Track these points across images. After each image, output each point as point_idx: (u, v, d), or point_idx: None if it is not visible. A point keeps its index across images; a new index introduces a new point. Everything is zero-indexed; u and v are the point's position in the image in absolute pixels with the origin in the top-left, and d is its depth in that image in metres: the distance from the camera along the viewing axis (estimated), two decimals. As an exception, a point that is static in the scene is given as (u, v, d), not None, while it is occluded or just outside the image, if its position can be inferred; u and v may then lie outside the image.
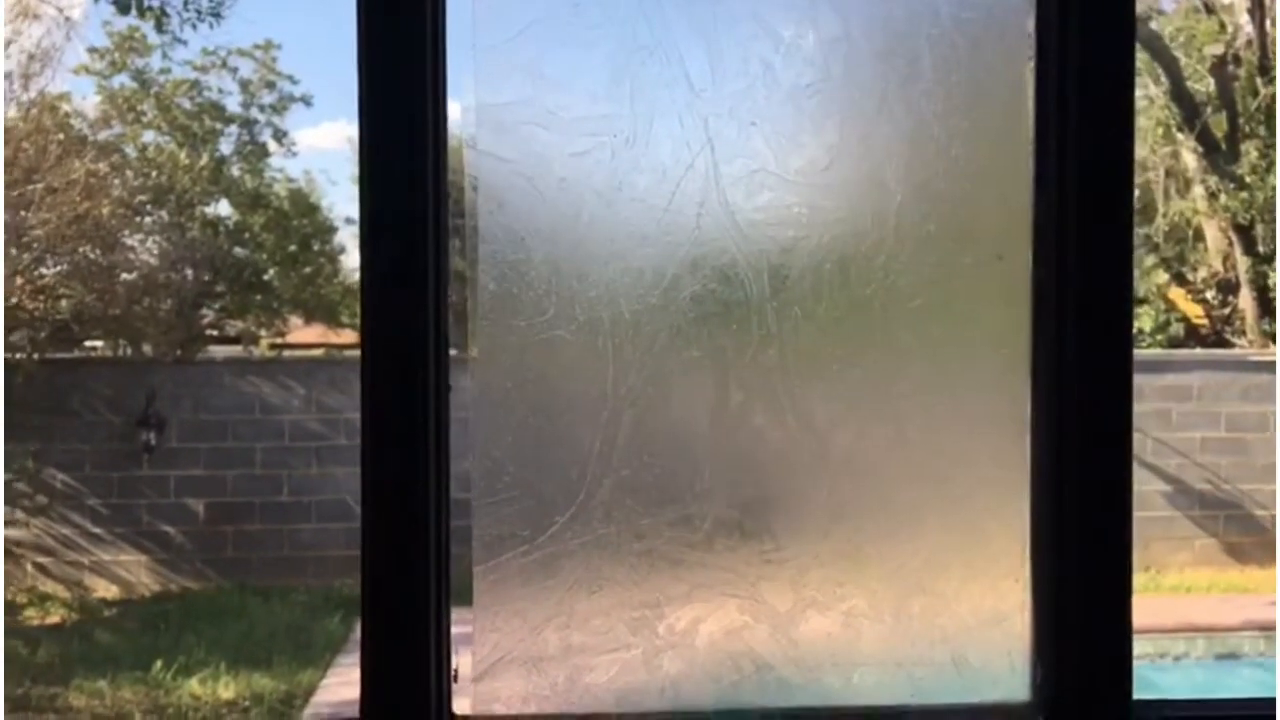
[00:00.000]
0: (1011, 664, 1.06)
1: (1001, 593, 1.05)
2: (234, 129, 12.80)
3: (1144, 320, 12.10)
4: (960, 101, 1.05)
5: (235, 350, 11.92)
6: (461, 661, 1.02)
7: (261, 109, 12.84)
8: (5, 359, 9.26)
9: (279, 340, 13.33)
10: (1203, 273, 12.95)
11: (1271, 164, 11.13)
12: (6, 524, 9.43)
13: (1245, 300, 12.15)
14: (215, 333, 12.27)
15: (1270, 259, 11.48)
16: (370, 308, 0.98)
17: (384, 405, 0.98)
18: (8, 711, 6.85)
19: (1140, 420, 10.23)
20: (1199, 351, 11.81)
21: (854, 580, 1.06)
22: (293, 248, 12.67)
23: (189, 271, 11.19)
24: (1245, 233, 11.79)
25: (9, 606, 9.22)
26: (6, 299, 9.13)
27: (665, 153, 1.03)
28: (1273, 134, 11.36)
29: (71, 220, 9.38)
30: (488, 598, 1.01)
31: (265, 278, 12.43)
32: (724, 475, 1.05)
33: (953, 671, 1.06)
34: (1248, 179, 11.61)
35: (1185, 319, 12.98)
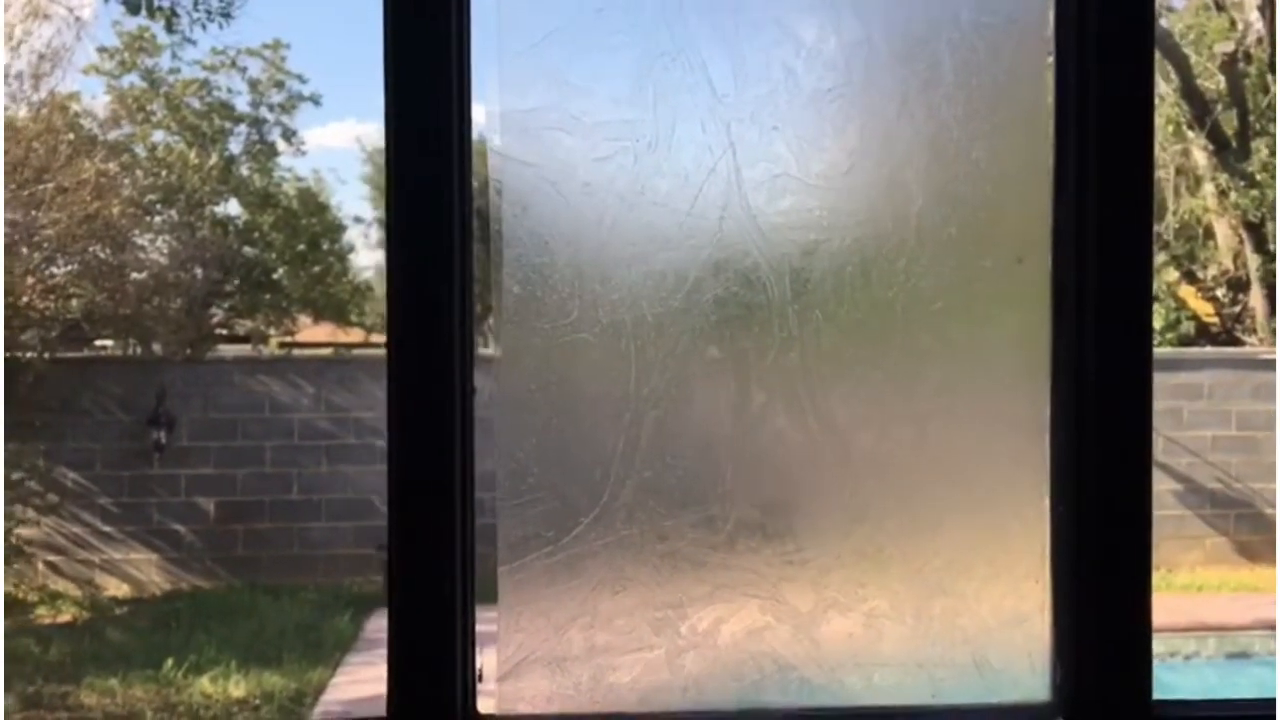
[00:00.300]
0: (1031, 664, 1.07)
1: (1022, 594, 1.06)
2: (243, 128, 12.82)
3: (1154, 318, 12.05)
4: (980, 105, 1.05)
5: (245, 349, 11.94)
6: (486, 661, 1.03)
7: (270, 108, 12.87)
8: (17, 358, 9.29)
9: (288, 339, 13.36)
10: (1213, 270, 12.92)
11: (1283, 161, 11.10)
12: (18, 522, 9.47)
13: (1256, 298, 12.11)
14: (225, 331, 12.31)
15: (1282, 256, 11.45)
16: (396, 310, 0.99)
17: (410, 406, 0.99)
18: (20, 709, 6.88)
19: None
20: (1209, 350, 11.78)
21: (875, 581, 1.06)
22: (302, 247, 12.69)
23: (199, 271, 11.22)
24: (1256, 230, 11.76)
25: (21, 605, 9.26)
26: (18, 298, 9.17)
27: (688, 157, 1.04)
28: (1282, 131, 11.32)
29: (82, 220, 9.41)
30: (513, 598, 1.02)
31: (274, 277, 12.45)
32: (746, 477, 1.05)
33: (973, 672, 1.07)
34: (1258, 177, 11.57)
35: (1195, 317, 12.94)
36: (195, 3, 8.61)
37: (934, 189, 1.05)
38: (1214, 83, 12.43)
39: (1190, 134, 12.09)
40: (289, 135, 13.00)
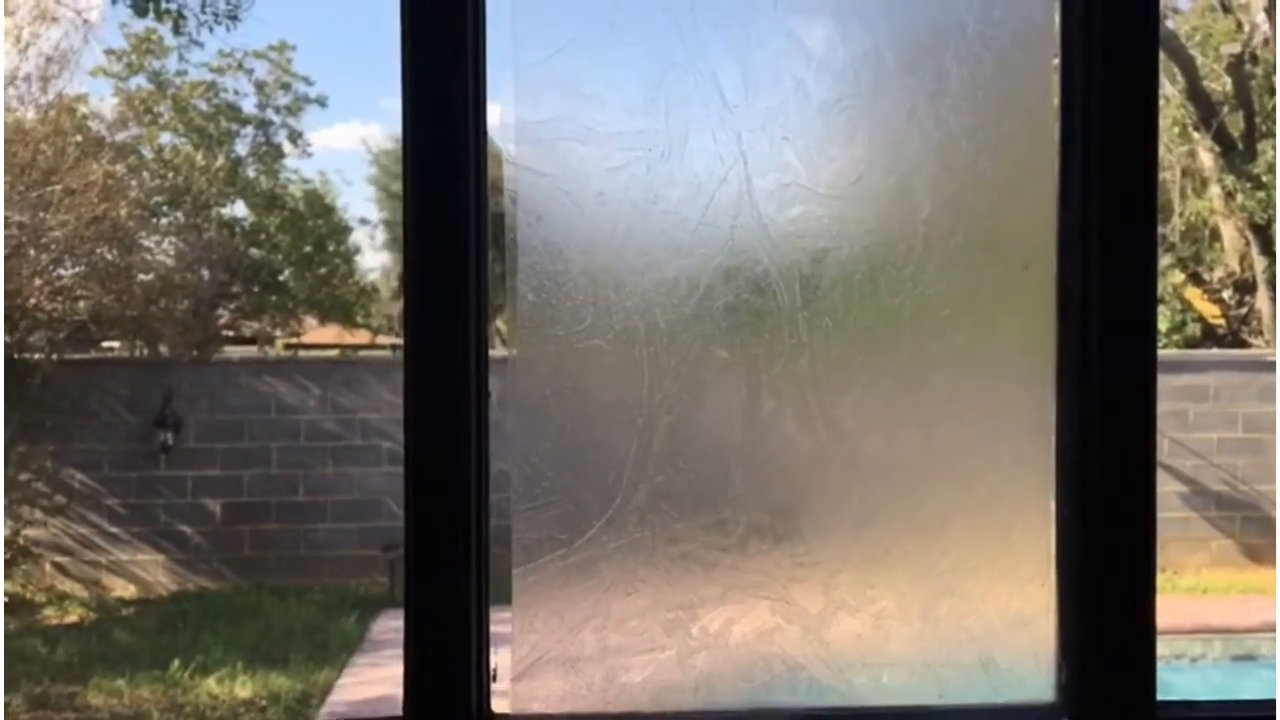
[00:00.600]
0: (1037, 665, 1.08)
1: (1028, 595, 1.08)
2: (249, 130, 12.87)
3: (1160, 320, 12.05)
4: (987, 115, 1.07)
5: (251, 351, 11.98)
6: (500, 661, 1.05)
7: (277, 110, 12.92)
8: (25, 360, 9.33)
9: (294, 340, 13.39)
10: (1219, 272, 12.91)
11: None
12: (26, 523, 9.51)
13: (1262, 300, 12.10)
14: (231, 333, 12.34)
15: (1288, 258, 11.43)
16: (413, 313, 1.01)
17: (427, 407, 1.01)
18: (27, 709, 6.91)
19: (1156, 421, 10.18)
20: (1215, 352, 11.77)
21: (883, 583, 1.08)
22: (308, 248, 12.74)
23: (205, 272, 11.26)
24: (1262, 232, 11.75)
25: (28, 605, 9.29)
26: (25, 300, 9.20)
27: (699, 167, 1.06)
28: (1289, 133, 11.31)
29: (89, 222, 9.45)
30: (527, 599, 1.04)
31: (281, 278, 12.49)
32: (756, 480, 1.07)
33: (979, 672, 1.08)
34: (1264, 178, 11.57)
35: (1201, 319, 12.94)
36: (202, 5, 8.65)
37: (941, 198, 1.07)
38: (1220, 84, 12.42)
39: (1196, 135, 12.09)
40: (295, 137, 13.05)
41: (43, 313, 9.51)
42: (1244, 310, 12.78)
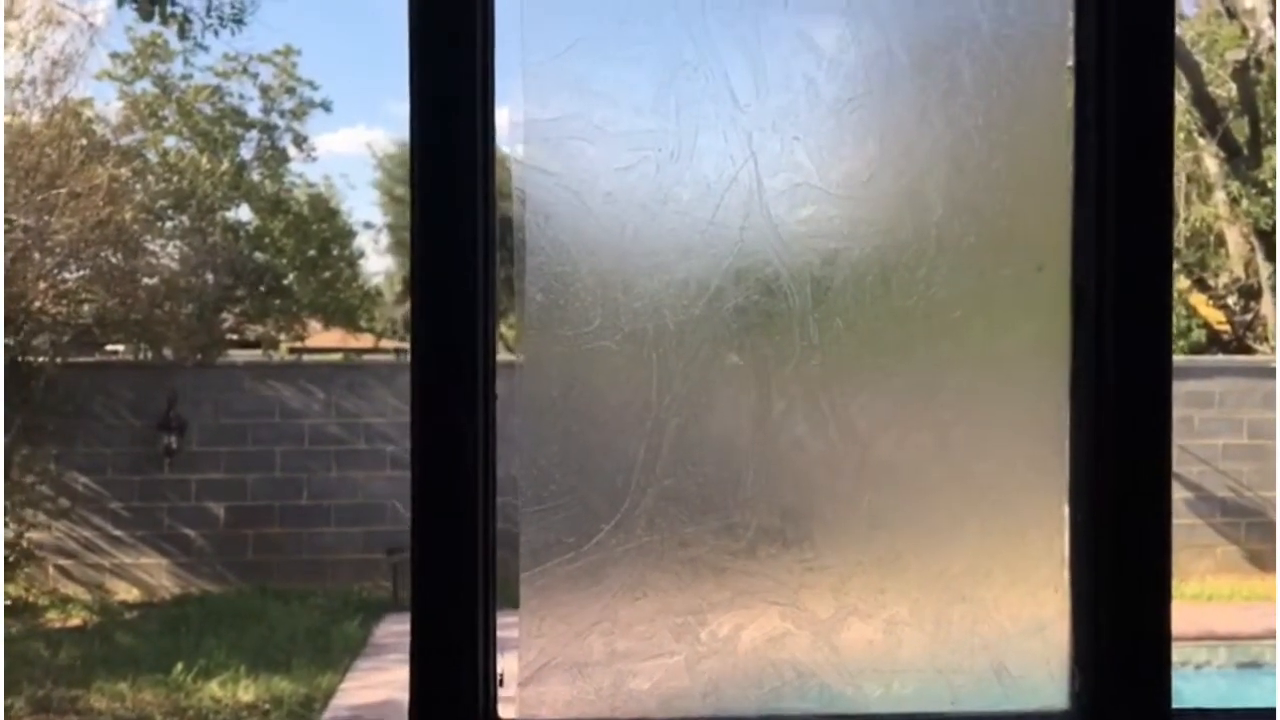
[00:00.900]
0: (1050, 672, 1.07)
1: (1041, 601, 1.06)
2: (254, 134, 12.89)
3: (1165, 326, 12.00)
4: (1000, 115, 1.06)
5: (255, 354, 11.98)
6: (507, 665, 1.04)
7: (282, 114, 12.93)
8: (29, 363, 9.33)
9: (298, 344, 13.40)
10: (1224, 278, 12.89)
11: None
12: (29, 526, 9.51)
13: (1267, 306, 12.07)
14: (235, 337, 12.35)
15: (1293, 264, 11.41)
16: (420, 315, 1.00)
17: (433, 411, 1.00)
18: (30, 712, 6.90)
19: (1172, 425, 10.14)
20: (1220, 358, 11.74)
21: (895, 588, 1.07)
22: (312, 252, 12.74)
23: (210, 276, 11.26)
24: (1267, 238, 11.72)
25: (31, 608, 9.29)
26: (30, 303, 9.21)
27: (709, 167, 1.05)
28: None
29: (94, 225, 9.46)
30: (534, 603, 1.02)
31: (285, 282, 12.50)
32: (766, 484, 1.06)
33: (992, 679, 1.07)
34: (1270, 184, 11.54)
35: (1207, 324, 12.91)
36: (208, 9, 8.66)
37: (954, 198, 1.06)
38: (1225, 90, 12.41)
39: (1202, 141, 12.07)
40: (300, 141, 13.07)
41: (47, 316, 9.52)
42: (1249, 316, 12.75)
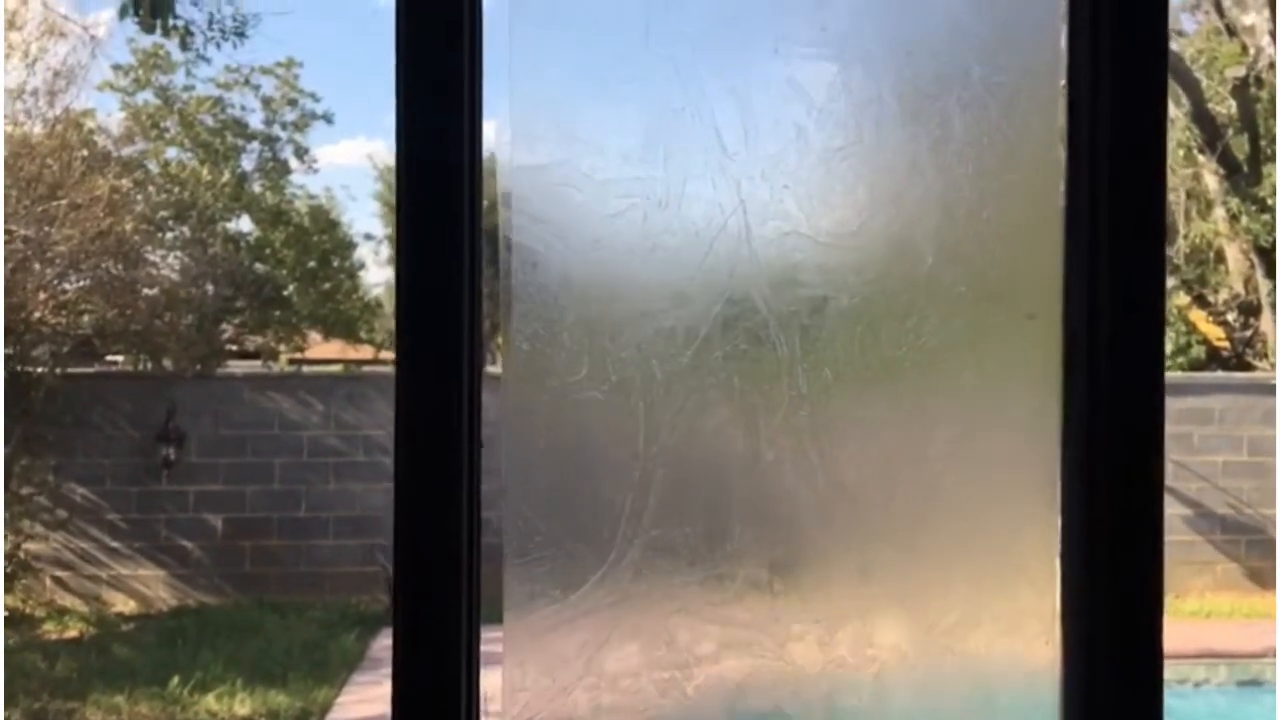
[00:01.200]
0: (1041, 725, 1.06)
1: (1033, 653, 1.05)
2: (256, 145, 12.91)
3: (1165, 343, 12.02)
4: (991, 163, 1.05)
5: (255, 366, 11.98)
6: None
7: (283, 126, 12.96)
8: (29, 373, 9.33)
9: (298, 355, 13.40)
10: (1224, 295, 12.89)
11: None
12: (27, 537, 9.49)
13: (1267, 323, 12.07)
14: (235, 347, 12.35)
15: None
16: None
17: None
18: (26, 725, 6.88)
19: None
20: (1220, 374, 11.73)
21: (884, 640, 1.06)
22: (312, 263, 12.76)
23: (210, 287, 11.27)
24: (1267, 255, 11.73)
25: (28, 620, 9.27)
26: (30, 314, 9.21)
27: (698, 214, 1.04)
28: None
29: (95, 236, 9.47)
30: (519, 656, 1.01)
31: (285, 293, 12.51)
32: (754, 535, 1.05)
33: (982, 733, 1.06)
34: (1269, 201, 11.55)
35: (1206, 341, 12.90)
36: (210, 22, 8.67)
37: (944, 247, 1.05)
38: (1225, 107, 12.43)
39: (1201, 158, 12.09)
40: (301, 153, 13.09)
41: (47, 326, 9.52)
42: (1249, 333, 12.75)
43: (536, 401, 1.02)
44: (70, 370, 9.71)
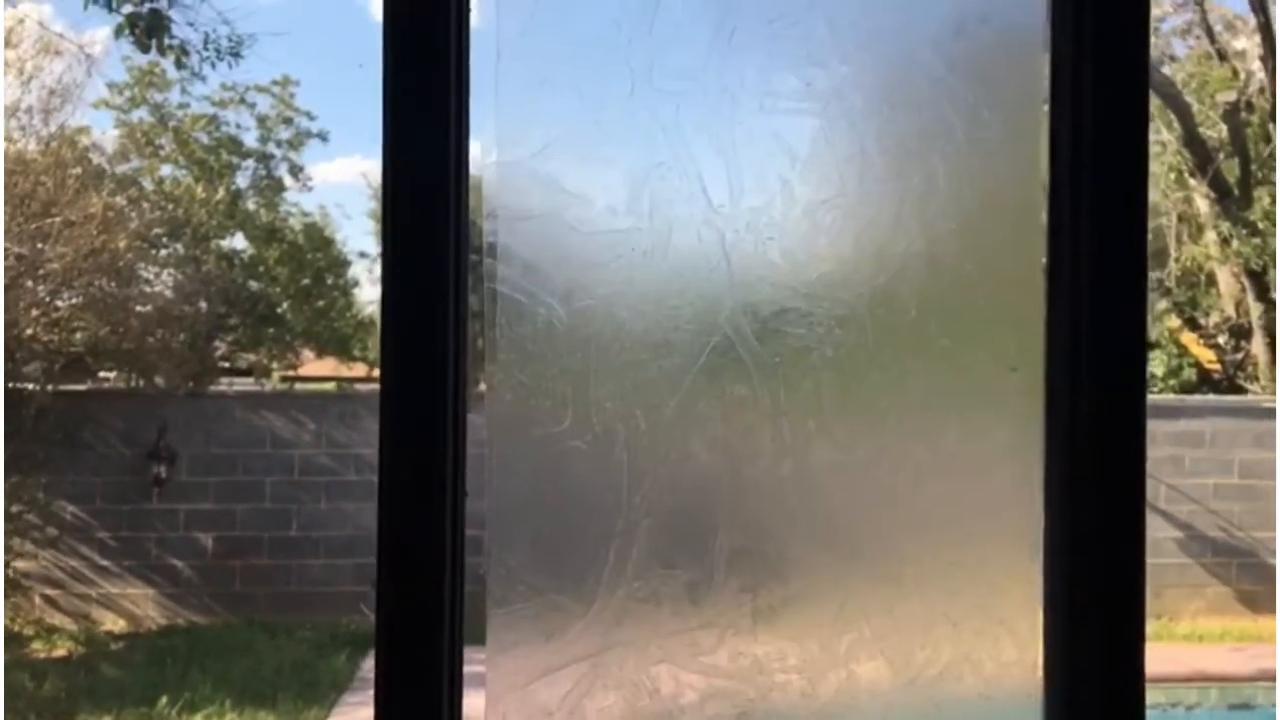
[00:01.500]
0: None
1: (1016, 706, 1.06)
2: (250, 163, 12.92)
3: (1156, 365, 12.08)
4: (974, 217, 1.06)
5: (248, 384, 11.96)
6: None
7: (278, 144, 12.97)
8: (20, 390, 9.30)
9: (290, 373, 13.37)
10: (1215, 317, 12.94)
11: (1286, 210, 11.14)
12: (16, 555, 9.45)
13: (1258, 346, 12.12)
14: (227, 364, 12.33)
15: (1285, 305, 11.46)
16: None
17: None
18: (13, 746, 6.83)
19: (1153, 466, 10.19)
20: (1211, 397, 11.76)
21: (868, 690, 1.06)
22: (306, 281, 12.75)
23: (203, 304, 11.26)
24: (1258, 278, 11.78)
25: (16, 639, 9.22)
26: (22, 330, 9.19)
27: (683, 266, 1.04)
28: (1286, 181, 11.37)
29: (88, 254, 9.46)
30: (500, 707, 1.01)
31: (279, 311, 12.49)
32: (738, 584, 1.05)
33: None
34: (1260, 225, 11.61)
35: (1198, 364, 12.94)
36: (205, 42, 8.70)
37: (928, 300, 1.06)
38: (1216, 131, 12.51)
39: (1192, 182, 12.15)
40: (296, 171, 13.10)
41: (39, 344, 9.50)
42: (1240, 356, 12.79)
43: (520, 451, 1.03)
44: (62, 387, 9.67)
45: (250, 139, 12.84)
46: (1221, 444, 10.33)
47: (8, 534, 9.26)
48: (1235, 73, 12.27)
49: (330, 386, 12.26)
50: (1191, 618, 9.88)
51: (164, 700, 7.56)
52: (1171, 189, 12.35)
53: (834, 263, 1.05)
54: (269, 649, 8.95)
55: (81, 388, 10.07)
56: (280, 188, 13.06)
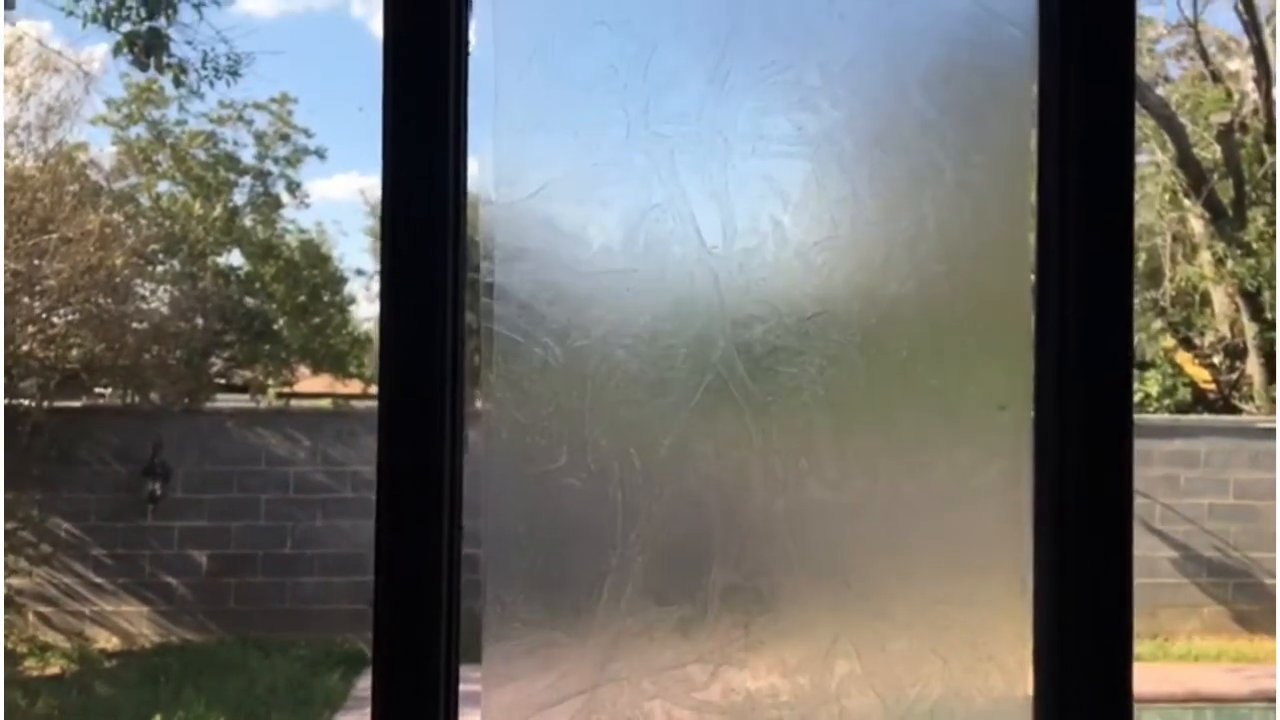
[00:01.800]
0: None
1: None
2: (248, 180, 12.94)
3: (1151, 384, 12.11)
4: (964, 259, 1.08)
5: (243, 401, 11.94)
6: None
7: (276, 161, 12.99)
8: (15, 407, 9.29)
9: (286, 389, 13.36)
10: (1210, 337, 12.97)
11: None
12: (10, 572, 9.42)
13: (1253, 366, 12.15)
14: (223, 381, 12.31)
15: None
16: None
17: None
18: (5, 765, 6.80)
19: (1148, 486, 10.20)
20: (1206, 417, 11.79)
21: (859, 724, 1.07)
22: (303, 298, 12.75)
23: (199, 321, 11.26)
24: (1252, 299, 11.83)
25: (9, 656, 9.18)
26: (17, 347, 9.19)
27: (677, 305, 1.06)
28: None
29: (85, 270, 9.46)
30: (495, 744, 1.02)
31: (275, 327, 12.49)
32: (731, 621, 1.06)
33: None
34: (1254, 245, 11.67)
35: (1193, 383, 12.97)
36: (204, 61, 8.73)
37: (918, 341, 1.08)
38: (1210, 152, 12.57)
39: (1187, 202, 12.21)
40: (293, 188, 13.12)
41: (35, 360, 9.49)
42: (1235, 375, 12.82)
43: (515, 488, 1.04)
44: (57, 404, 9.66)
45: (248, 156, 12.86)
46: (1217, 464, 10.34)
47: (3, 551, 9.23)
48: (1229, 94, 12.34)
49: (326, 403, 12.25)
50: (1187, 638, 9.87)
51: (157, 718, 7.53)
52: (1166, 209, 12.40)
53: (826, 303, 1.07)
54: (263, 667, 8.92)
55: (77, 404, 10.06)
56: (277, 204, 13.07)
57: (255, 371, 12.30)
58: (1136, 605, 1.04)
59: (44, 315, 9.54)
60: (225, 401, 11.54)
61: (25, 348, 9.34)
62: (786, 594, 1.07)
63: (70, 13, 8.02)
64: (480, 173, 1.05)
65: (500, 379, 1.04)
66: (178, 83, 9.11)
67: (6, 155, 9.58)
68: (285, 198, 13.12)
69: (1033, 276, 1.07)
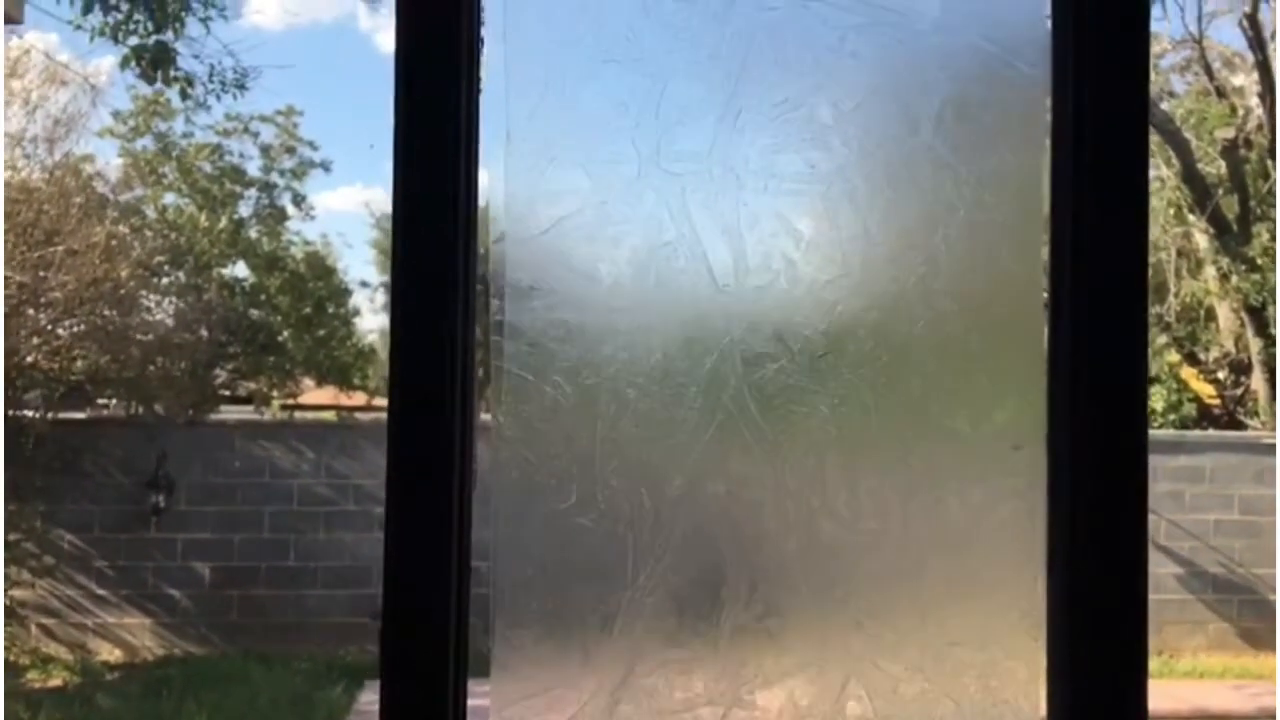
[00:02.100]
0: None
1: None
2: (253, 192, 12.97)
3: (1156, 400, 12.08)
4: (976, 298, 1.08)
5: (247, 413, 11.94)
6: None
7: (281, 173, 13.02)
8: (19, 418, 9.29)
9: (291, 401, 13.37)
10: (1215, 353, 12.95)
11: (1286, 246, 11.18)
12: (13, 584, 9.41)
13: (1258, 381, 12.12)
14: (227, 393, 12.32)
15: (1285, 340, 11.48)
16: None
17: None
18: (6, 779, 6.79)
19: (1153, 502, 10.16)
20: (1212, 433, 11.76)
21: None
22: (307, 310, 12.76)
23: (204, 332, 11.27)
24: (1257, 314, 11.80)
25: (12, 668, 9.17)
26: (22, 358, 9.20)
27: (688, 343, 1.06)
28: (1283, 217, 11.42)
29: (90, 282, 9.48)
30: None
31: (280, 339, 12.50)
32: (739, 659, 1.06)
33: None
34: (1259, 261, 11.65)
35: (1197, 399, 12.94)
36: (210, 74, 8.76)
37: (932, 379, 1.07)
38: (1215, 168, 12.57)
39: (1191, 218, 12.20)
40: (299, 200, 13.15)
41: (39, 371, 9.50)
42: (1240, 391, 12.80)
43: (525, 527, 1.03)
44: (61, 415, 9.67)
45: (253, 168, 12.90)
46: (1222, 480, 10.31)
47: (5, 562, 9.23)
48: (1234, 109, 12.34)
49: (330, 415, 12.26)
50: (1193, 654, 9.84)
51: (159, 732, 7.52)
52: (1171, 224, 12.39)
53: (838, 341, 1.06)
54: (265, 680, 8.90)
55: (81, 416, 10.07)
56: (283, 217, 13.10)
57: (260, 384, 12.30)
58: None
59: (49, 327, 9.55)
60: (229, 414, 11.55)
61: (30, 359, 9.35)
62: (798, 635, 1.06)
63: (78, 26, 8.04)
64: (491, 209, 1.05)
65: (510, 417, 1.03)
66: (184, 95, 9.13)
67: (13, 167, 9.60)
68: (290, 210, 13.15)
69: (1046, 316, 1.06)
